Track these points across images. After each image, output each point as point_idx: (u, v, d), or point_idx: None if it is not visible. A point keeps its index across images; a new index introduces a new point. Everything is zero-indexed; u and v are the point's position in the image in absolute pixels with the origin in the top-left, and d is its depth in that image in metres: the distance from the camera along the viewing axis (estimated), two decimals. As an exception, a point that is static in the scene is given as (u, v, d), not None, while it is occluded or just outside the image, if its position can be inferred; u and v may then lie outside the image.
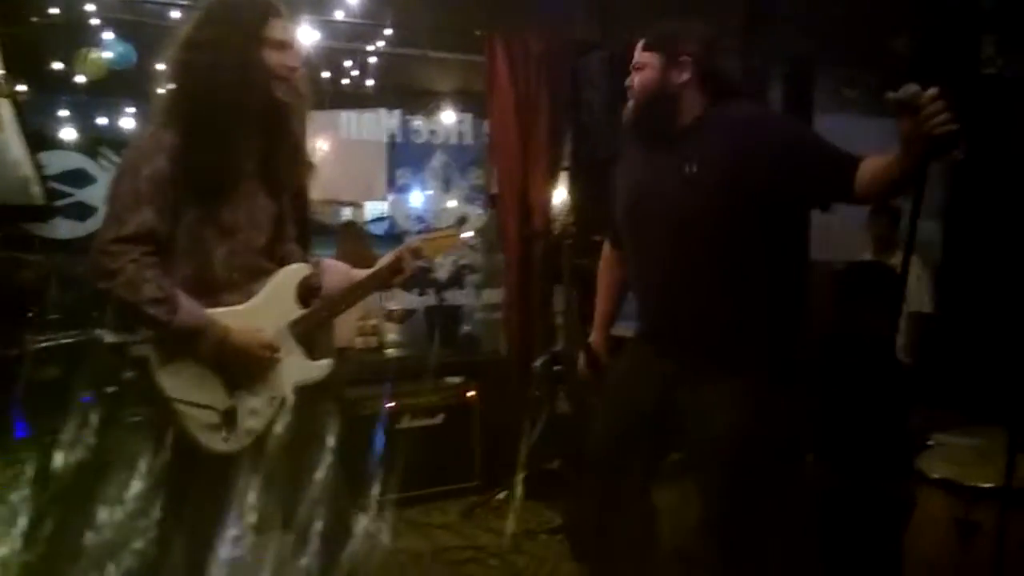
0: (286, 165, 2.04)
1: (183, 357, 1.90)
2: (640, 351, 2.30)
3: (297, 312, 2.05)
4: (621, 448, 2.29)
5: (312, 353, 2.07)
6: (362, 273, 2.20)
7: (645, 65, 2.15)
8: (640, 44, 2.19)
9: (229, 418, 1.92)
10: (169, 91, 1.93)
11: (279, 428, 1.99)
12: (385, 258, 2.20)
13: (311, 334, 2.09)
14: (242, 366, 1.93)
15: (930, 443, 2.81)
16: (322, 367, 2.07)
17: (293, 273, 2.07)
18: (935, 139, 1.57)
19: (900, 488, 2.59)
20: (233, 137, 1.89)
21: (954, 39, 4.79)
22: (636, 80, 2.17)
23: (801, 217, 2.25)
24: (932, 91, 1.56)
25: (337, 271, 2.21)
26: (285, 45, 1.94)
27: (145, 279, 1.79)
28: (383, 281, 2.20)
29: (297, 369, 2.03)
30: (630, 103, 2.21)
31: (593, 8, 4.53)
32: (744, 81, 4.64)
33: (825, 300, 3.27)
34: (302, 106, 2.02)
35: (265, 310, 2.00)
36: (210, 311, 1.90)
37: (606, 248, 2.55)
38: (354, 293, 2.18)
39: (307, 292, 2.11)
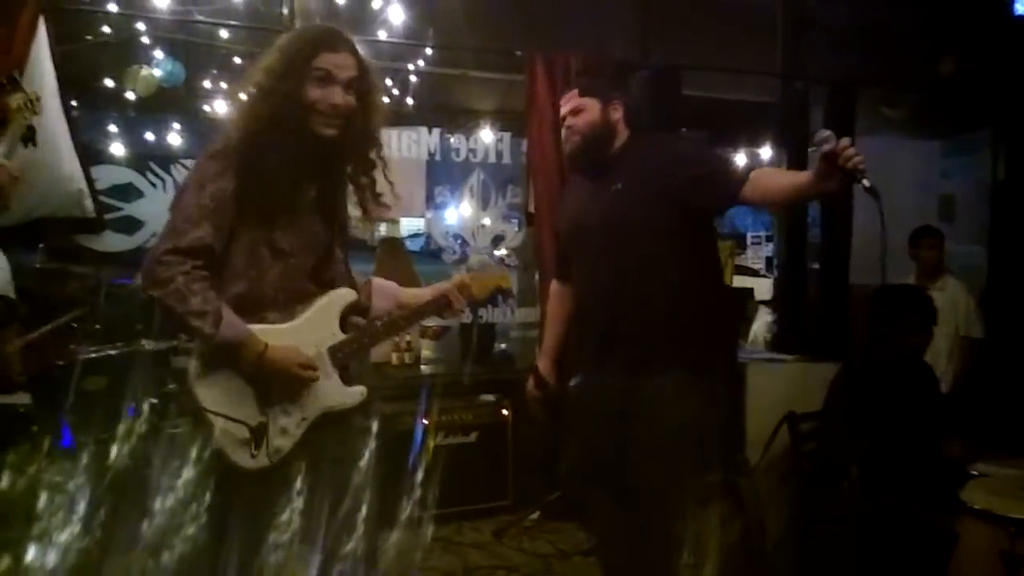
0: (340, 196, 2.05)
1: (221, 370, 1.92)
2: (588, 381, 2.64)
3: (339, 337, 2.05)
4: (592, 473, 2.60)
5: (348, 379, 2.07)
6: (410, 295, 2.21)
7: (584, 108, 2.60)
8: (576, 92, 2.66)
9: (258, 434, 1.93)
10: (237, 108, 1.98)
11: (306, 449, 1.99)
12: (431, 291, 2.21)
13: (353, 359, 2.09)
14: (278, 383, 1.94)
15: (973, 473, 2.76)
16: (355, 394, 2.06)
17: (339, 298, 2.07)
18: (847, 170, 1.98)
19: (943, 518, 2.54)
20: (286, 165, 1.90)
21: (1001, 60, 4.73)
22: (578, 121, 2.61)
23: (710, 229, 2.71)
24: (845, 140, 2.00)
25: (385, 295, 2.21)
26: (331, 80, 1.91)
27: (193, 291, 1.82)
28: (428, 315, 2.21)
29: (331, 393, 2.03)
30: (573, 139, 2.63)
31: (633, 27, 4.55)
32: (785, 102, 4.64)
33: (864, 322, 3.24)
34: (356, 140, 2.00)
35: (307, 331, 2.01)
36: (252, 327, 1.93)
37: (554, 283, 2.91)
38: (396, 325, 2.20)
39: (353, 315, 2.12)
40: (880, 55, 4.83)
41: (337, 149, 1.99)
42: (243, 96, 1.96)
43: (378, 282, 2.25)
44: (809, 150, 4.70)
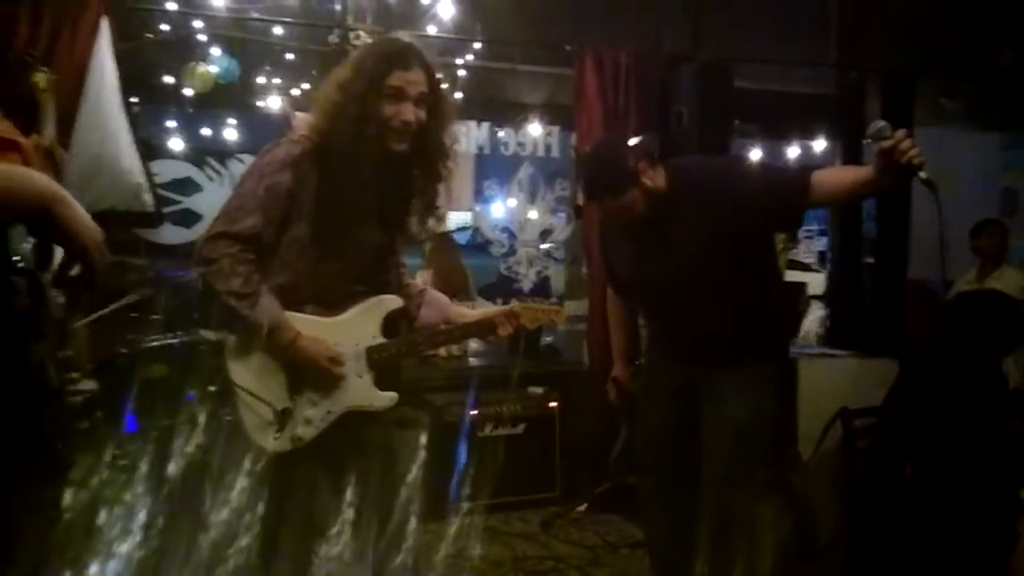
0: (403, 208, 2.09)
1: (256, 351, 1.98)
2: (661, 370, 2.63)
3: (378, 340, 2.09)
4: (665, 451, 2.57)
5: (382, 383, 2.10)
6: (457, 313, 2.24)
7: (632, 202, 2.36)
8: (609, 200, 2.39)
9: (282, 419, 1.98)
10: (311, 115, 2.03)
11: (328, 441, 2.03)
12: (479, 313, 2.24)
13: (388, 364, 2.13)
14: (305, 371, 1.99)
15: (1036, 473, 2.69)
16: (384, 399, 2.09)
17: (383, 303, 2.11)
18: (906, 165, 1.95)
19: (1003, 518, 2.49)
20: (351, 174, 1.95)
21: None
22: (633, 213, 2.39)
23: (770, 237, 2.68)
24: (902, 131, 1.96)
25: (434, 307, 2.25)
26: (404, 97, 1.94)
27: (236, 273, 1.89)
28: (471, 336, 2.23)
29: (361, 393, 2.07)
30: (632, 222, 2.44)
31: (683, 21, 4.51)
32: (840, 94, 4.56)
33: (931, 321, 3.16)
34: (431, 155, 2.04)
35: (347, 329, 2.05)
36: (290, 314, 1.98)
37: (610, 293, 2.89)
38: (436, 340, 2.25)
39: (395, 322, 2.16)
40: (938, 45, 4.71)
41: (407, 161, 2.03)
42: (315, 106, 2.01)
43: (431, 294, 2.28)
44: (864, 141, 4.61)
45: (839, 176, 2.43)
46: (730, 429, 2.41)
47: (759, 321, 2.47)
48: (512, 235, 5.32)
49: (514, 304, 2.23)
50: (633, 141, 2.60)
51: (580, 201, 4.55)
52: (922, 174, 1.94)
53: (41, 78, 2.55)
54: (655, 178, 2.40)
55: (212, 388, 2.42)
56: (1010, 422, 2.86)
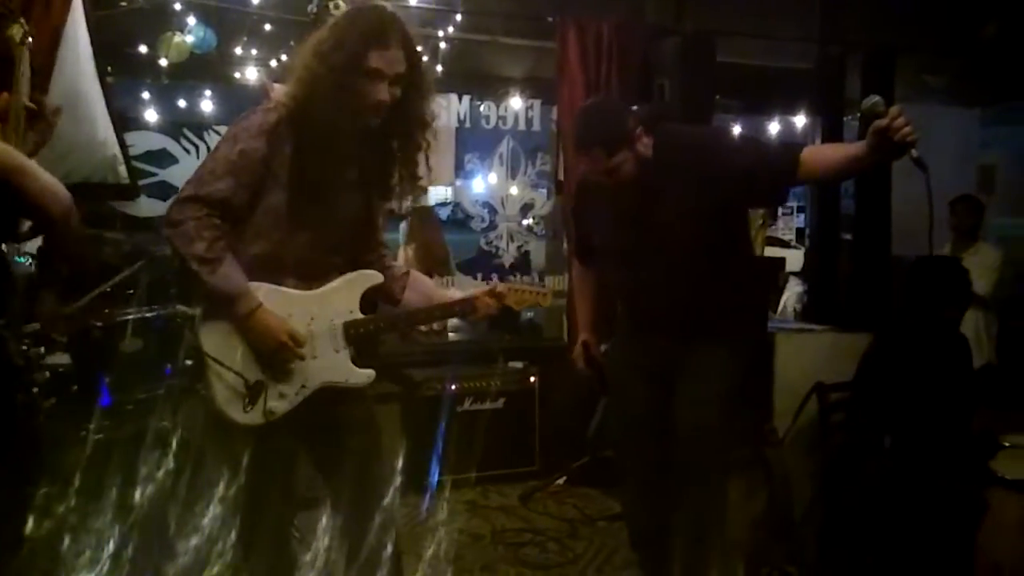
0: (383, 179, 2.07)
1: (227, 321, 1.96)
2: (632, 344, 2.63)
3: (356, 315, 2.07)
4: (640, 426, 2.57)
5: (360, 359, 2.08)
6: (442, 295, 2.23)
7: (622, 162, 2.34)
8: (601, 154, 2.34)
9: (254, 392, 1.96)
10: (286, 83, 2.00)
11: (306, 416, 2.02)
12: (462, 294, 2.22)
13: (367, 340, 2.12)
14: (262, 345, 1.96)
15: (1005, 444, 2.74)
16: (361, 375, 2.08)
17: (363, 278, 2.10)
18: (899, 143, 1.92)
19: (973, 488, 2.53)
20: (327, 143, 1.93)
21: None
22: (622, 175, 2.36)
23: (746, 211, 2.68)
24: (896, 108, 1.93)
25: (418, 290, 2.23)
26: (382, 77, 1.92)
27: (201, 237, 1.87)
28: (452, 315, 2.22)
29: (337, 368, 2.05)
30: (623, 185, 2.40)
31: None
32: (821, 69, 4.55)
33: (899, 295, 3.21)
34: (409, 127, 2.03)
35: (325, 302, 2.04)
36: (267, 286, 1.96)
37: (577, 265, 2.90)
38: (416, 318, 2.23)
39: (376, 299, 2.15)
40: (920, 19, 4.71)
41: (385, 132, 2.01)
42: (291, 73, 1.97)
43: (415, 276, 2.27)
44: (847, 118, 4.62)
45: (828, 153, 2.39)
46: (702, 403, 2.42)
47: (733, 295, 2.48)
48: (493, 210, 5.30)
49: (499, 284, 2.22)
50: (634, 108, 2.55)
51: (561, 176, 4.53)
52: (914, 152, 1.92)
53: (16, 31, 2.47)
54: (647, 148, 2.39)
55: (188, 362, 2.41)
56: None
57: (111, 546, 2.21)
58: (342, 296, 2.06)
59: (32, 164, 1.78)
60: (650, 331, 2.56)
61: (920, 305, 2.98)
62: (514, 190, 5.25)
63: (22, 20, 2.67)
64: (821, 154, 2.33)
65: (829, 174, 2.36)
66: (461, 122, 4.93)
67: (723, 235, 2.45)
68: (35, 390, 2.37)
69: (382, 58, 1.92)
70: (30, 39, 2.51)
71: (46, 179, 1.78)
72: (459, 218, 5.48)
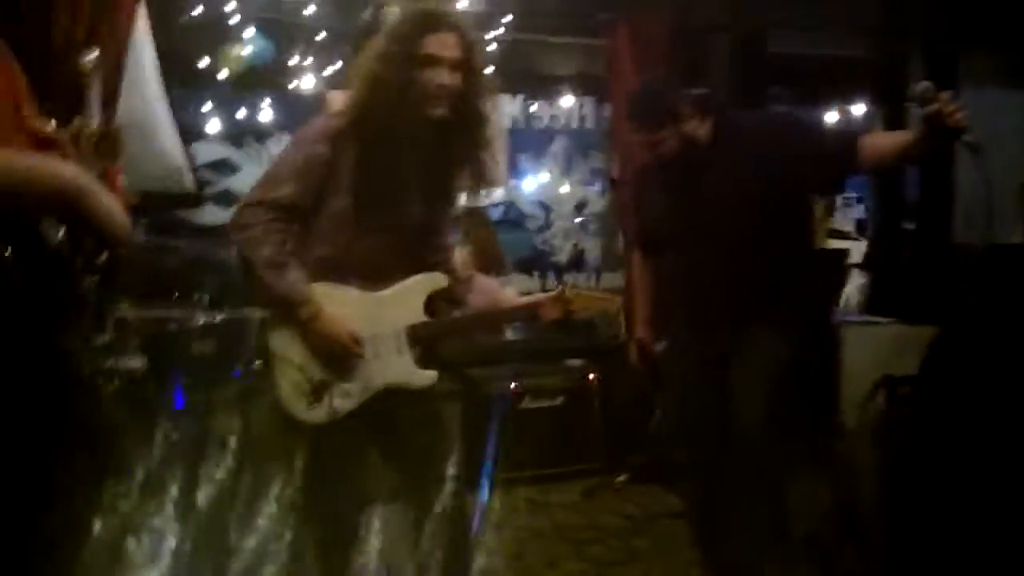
0: (447, 180, 2.09)
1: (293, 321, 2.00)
2: (689, 338, 2.62)
3: (420, 318, 2.09)
4: (698, 424, 2.59)
5: (425, 361, 2.11)
6: (506, 298, 2.24)
7: (662, 139, 2.40)
8: (643, 129, 2.45)
9: (319, 390, 2.00)
10: (349, 88, 2.05)
11: (373, 415, 2.05)
12: (528, 298, 2.24)
13: (430, 343, 2.14)
14: (324, 348, 1.99)
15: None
16: (424, 377, 2.09)
17: (428, 280, 2.11)
18: (951, 127, 1.92)
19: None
20: (392, 144, 1.95)
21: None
22: (664, 153, 2.43)
23: (808, 201, 2.68)
24: (946, 94, 1.94)
25: (483, 292, 2.26)
26: (439, 62, 1.94)
27: (268, 242, 1.92)
28: (516, 320, 2.23)
29: (400, 370, 2.07)
30: (666, 167, 2.49)
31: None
32: (882, 57, 4.45)
33: (965, 285, 3.13)
34: (471, 122, 2.03)
35: (388, 306, 2.06)
36: (331, 287, 2.00)
37: (638, 256, 2.89)
38: (480, 321, 2.25)
39: (441, 302, 2.17)
40: (982, 4, 4.57)
41: (449, 129, 2.02)
42: (354, 81, 2.02)
43: (480, 280, 2.28)
44: (907, 104, 4.51)
45: (885, 140, 2.42)
46: (759, 395, 2.40)
47: (794, 284, 2.46)
48: (547, 209, 5.31)
49: (566, 289, 2.20)
50: (697, 92, 2.57)
51: (615, 174, 4.52)
52: (966, 137, 1.91)
53: (88, 60, 2.58)
54: (698, 129, 2.40)
55: (257, 363, 2.48)
56: None
57: (177, 547, 2.28)
58: (407, 299, 2.09)
59: (99, 186, 1.86)
60: (706, 321, 2.55)
61: (990, 296, 2.89)
62: (567, 188, 5.25)
63: (95, 47, 2.79)
64: (877, 141, 2.35)
65: (886, 161, 2.35)
66: (513, 123, 4.95)
67: (783, 222, 2.43)
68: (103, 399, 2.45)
69: (436, 42, 1.94)
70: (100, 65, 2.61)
71: (111, 200, 1.86)
72: (513, 218, 5.50)
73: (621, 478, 4.06)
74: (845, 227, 7.57)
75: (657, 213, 2.64)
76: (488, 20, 4.52)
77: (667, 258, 2.69)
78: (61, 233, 1.70)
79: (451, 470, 2.12)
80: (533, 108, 4.97)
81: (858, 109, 5.36)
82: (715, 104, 2.53)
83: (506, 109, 4.88)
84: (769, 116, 2.72)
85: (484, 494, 3.44)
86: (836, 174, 2.41)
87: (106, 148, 2.14)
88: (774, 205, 2.38)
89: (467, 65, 1.99)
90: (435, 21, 1.96)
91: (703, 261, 2.48)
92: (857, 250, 5.83)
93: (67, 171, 1.68)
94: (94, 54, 2.68)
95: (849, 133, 2.45)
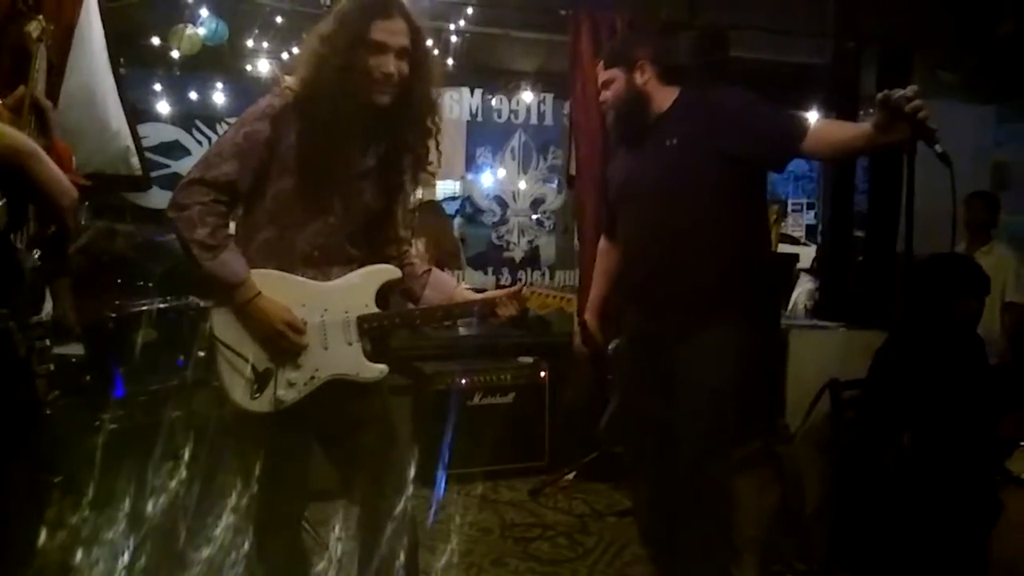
0: (396, 167, 2.05)
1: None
2: (635, 333, 2.65)
3: (371, 309, 2.05)
4: (646, 419, 2.60)
5: (374, 354, 2.07)
6: (462, 295, 2.21)
7: (612, 80, 2.55)
8: (601, 64, 2.61)
9: (262, 379, 1.95)
10: (294, 69, 2.00)
11: (318, 408, 2.01)
12: (483, 295, 2.19)
13: (380, 334, 2.10)
14: (260, 332, 1.95)
15: (1021, 444, 2.72)
16: (373, 370, 2.05)
17: (380, 272, 2.08)
18: (916, 124, 1.89)
19: (988, 489, 2.51)
20: (336, 127, 1.92)
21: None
22: (609, 95, 2.57)
23: (761, 188, 2.65)
24: (913, 87, 1.90)
25: (439, 288, 2.21)
26: (386, 49, 1.91)
27: (204, 223, 1.86)
28: (470, 315, 2.20)
29: (348, 361, 2.03)
30: (608, 113, 2.64)
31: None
32: (836, 64, 4.53)
33: (910, 292, 3.19)
34: (416, 110, 2.00)
35: (338, 295, 2.02)
36: (275, 273, 1.95)
37: (602, 241, 2.91)
38: (433, 316, 2.22)
39: (395, 295, 2.14)
40: (935, 15, 4.67)
41: (395, 117, 1.99)
42: (300, 62, 1.97)
43: (437, 274, 2.25)
44: (862, 113, 4.59)
45: (837, 128, 2.42)
46: (704, 394, 2.41)
47: (739, 279, 2.45)
48: (503, 204, 5.29)
49: (523, 287, 2.18)
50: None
51: (572, 170, 4.51)
52: (938, 147, 1.89)
53: (34, 27, 2.47)
54: (646, 83, 2.50)
55: (201, 353, 2.41)
56: (1003, 421, 2.90)
57: (126, 540, 2.22)
58: (358, 289, 2.05)
59: (43, 152, 1.79)
60: (651, 318, 2.55)
61: (933, 303, 2.95)
62: (525, 184, 5.24)
63: (39, 17, 2.69)
64: (833, 127, 2.40)
65: (840, 149, 2.32)
66: (472, 116, 4.92)
67: (736, 209, 2.44)
68: (39, 382, 2.37)
69: (385, 29, 1.91)
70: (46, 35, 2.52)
71: (56, 168, 1.79)
72: (469, 212, 5.47)
73: (569, 476, 4.07)
74: (795, 232, 7.72)
75: (616, 176, 2.70)
76: (450, 11, 4.48)
77: (619, 239, 2.70)
78: (1, 203, 1.62)
79: (399, 466, 2.09)
80: (493, 102, 4.94)
81: (812, 116, 5.45)
82: (670, 63, 2.63)
83: (465, 102, 4.85)
84: (723, 90, 2.76)
85: (432, 490, 3.43)
86: (782, 149, 2.37)
87: (39, 122, 2.07)
88: (720, 185, 2.39)
89: (414, 53, 1.97)
90: (384, 7, 1.93)
91: (650, 244, 2.50)
92: (807, 255, 5.95)
93: (12, 133, 1.62)
94: (40, 21, 2.60)
95: (801, 116, 2.50)
